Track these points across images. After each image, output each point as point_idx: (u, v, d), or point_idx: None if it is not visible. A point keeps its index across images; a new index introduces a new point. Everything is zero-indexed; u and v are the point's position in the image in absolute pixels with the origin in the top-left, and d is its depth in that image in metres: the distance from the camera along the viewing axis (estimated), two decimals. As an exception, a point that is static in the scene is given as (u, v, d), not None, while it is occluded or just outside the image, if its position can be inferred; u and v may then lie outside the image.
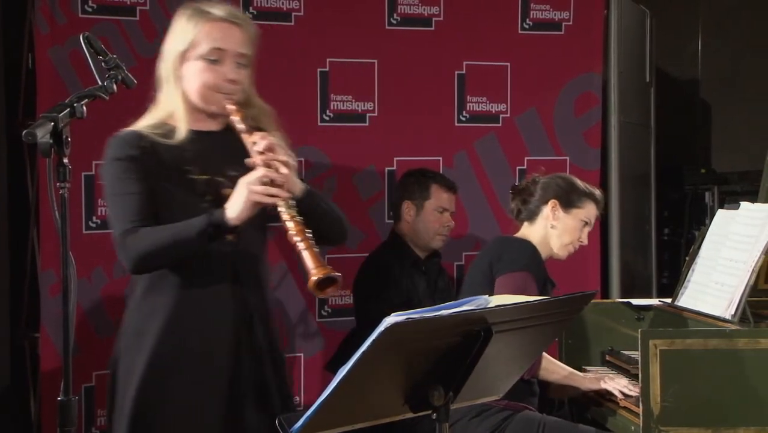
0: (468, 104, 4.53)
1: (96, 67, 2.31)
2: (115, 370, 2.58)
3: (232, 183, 2.53)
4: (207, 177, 2.56)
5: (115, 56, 2.36)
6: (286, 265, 4.22)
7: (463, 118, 4.53)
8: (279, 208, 2.43)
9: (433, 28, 4.46)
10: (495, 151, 4.55)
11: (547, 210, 3.37)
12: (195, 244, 2.46)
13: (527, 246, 3.34)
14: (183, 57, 2.55)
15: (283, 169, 2.46)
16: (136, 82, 2.40)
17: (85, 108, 2.18)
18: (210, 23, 2.55)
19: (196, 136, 2.58)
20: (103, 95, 2.28)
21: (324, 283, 2.29)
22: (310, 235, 2.37)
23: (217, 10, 2.57)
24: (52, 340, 3.81)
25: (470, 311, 1.98)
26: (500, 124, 4.57)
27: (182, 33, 2.56)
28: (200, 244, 2.46)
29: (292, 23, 4.25)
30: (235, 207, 2.44)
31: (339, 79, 4.33)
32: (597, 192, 3.46)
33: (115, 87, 2.30)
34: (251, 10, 4.17)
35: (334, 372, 1.97)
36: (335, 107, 4.35)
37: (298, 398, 4.33)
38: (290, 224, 2.39)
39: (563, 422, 3.31)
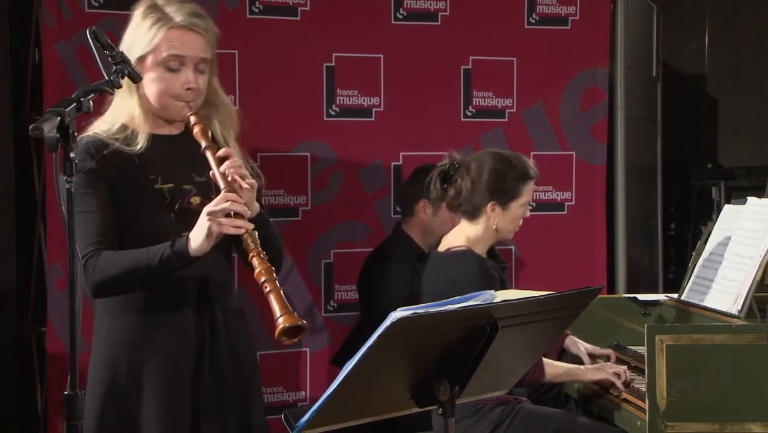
0: (474, 99, 4.52)
1: (102, 62, 2.31)
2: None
3: (200, 190, 2.50)
4: (171, 186, 2.50)
5: (121, 51, 2.36)
6: (291, 260, 4.22)
7: (469, 113, 4.53)
8: (244, 243, 2.37)
9: (439, 23, 4.45)
10: (501, 146, 4.47)
11: (487, 211, 3.21)
12: (157, 273, 2.40)
13: (471, 266, 3.15)
14: (141, 62, 2.48)
15: (246, 187, 2.40)
16: (142, 76, 2.40)
17: (91, 102, 2.18)
18: (170, 30, 2.47)
19: (157, 141, 2.52)
20: (110, 90, 2.28)
21: (292, 331, 2.23)
22: (276, 277, 2.31)
23: (178, 15, 2.48)
24: (58, 334, 3.82)
25: (476, 306, 1.99)
26: (506, 119, 4.56)
27: (141, 37, 2.49)
28: (163, 273, 2.41)
29: (298, 18, 4.24)
30: (197, 239, 2.36)
31: (345, 74, 4.32)
32: (529, 169, 3.24)
33: (121, 82, 2.30)
34: (257, 5, 4.17)
35: (340, 367, 1.97)
36: (341, 102, 4.34)
37: (304, 393, 4.33)
38: (256, 262, 2.33)
39: (565, 413, 3.32)
